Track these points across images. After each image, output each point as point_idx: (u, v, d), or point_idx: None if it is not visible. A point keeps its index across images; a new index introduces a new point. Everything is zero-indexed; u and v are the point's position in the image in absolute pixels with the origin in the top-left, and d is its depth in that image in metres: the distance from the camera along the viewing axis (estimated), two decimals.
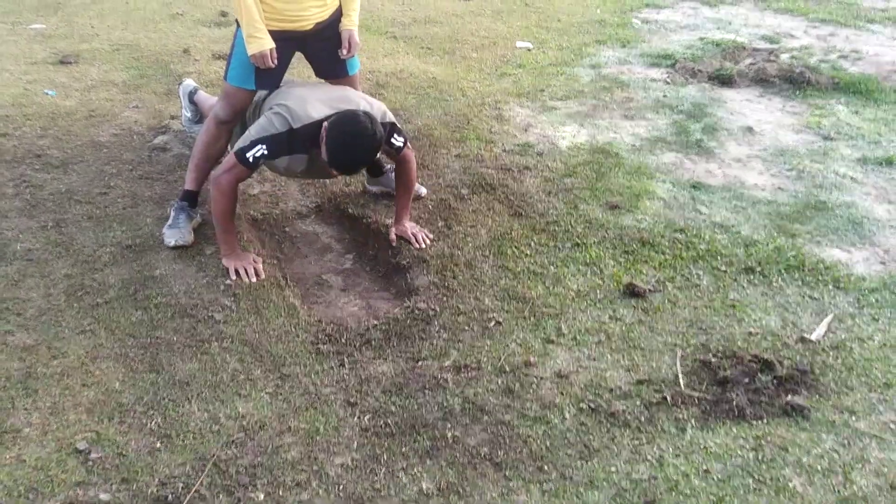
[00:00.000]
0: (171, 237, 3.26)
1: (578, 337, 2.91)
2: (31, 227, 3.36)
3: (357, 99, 3.19)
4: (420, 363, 2.78)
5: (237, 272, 3.10)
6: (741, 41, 6.07)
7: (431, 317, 3.01)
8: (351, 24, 3.29)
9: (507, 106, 4.85)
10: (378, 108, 3.19)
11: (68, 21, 6.23)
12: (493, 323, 2.98)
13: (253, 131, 3.05)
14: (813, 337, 2.89)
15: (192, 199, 3.40)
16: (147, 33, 5.99)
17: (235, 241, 3.17)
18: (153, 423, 2.44)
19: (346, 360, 2.79)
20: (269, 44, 3.10)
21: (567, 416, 2.55)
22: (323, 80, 3.53)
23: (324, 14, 3.23)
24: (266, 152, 3.00)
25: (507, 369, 2.74)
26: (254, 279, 3.09)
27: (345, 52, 3.30)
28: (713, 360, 2.77)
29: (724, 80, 5.29)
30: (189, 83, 4.17)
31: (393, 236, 3.42)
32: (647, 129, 4.60)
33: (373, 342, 2.89)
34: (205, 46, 5.61)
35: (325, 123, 2.97)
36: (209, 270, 3.15)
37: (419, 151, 4.20)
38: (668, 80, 5.35)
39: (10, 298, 2.92)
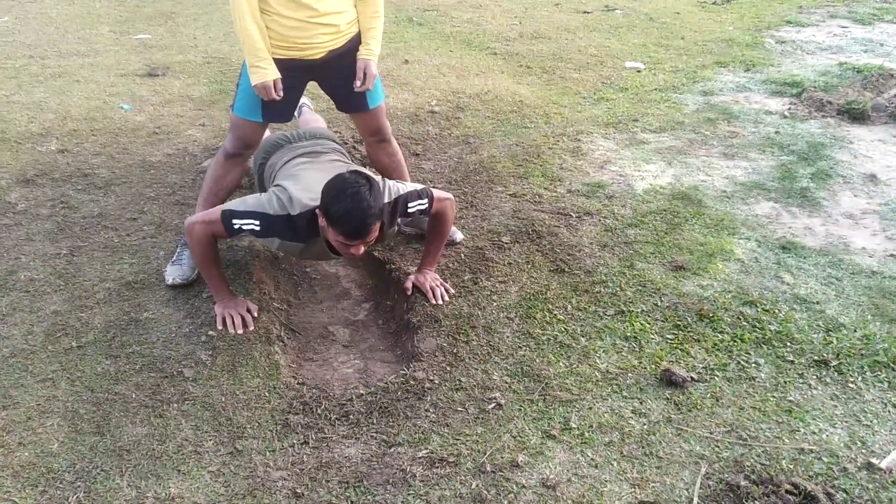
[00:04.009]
0: (171, 275, 3.05)
1: (587, 434, 2.43)
2: (46, 254, 3.27)
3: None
4: (393, 449, 2.41)
5: (224, 321, 2.85)
6: (890, 67, 5.23)
7: (426, 390, 2.63)
8: (369, 53, 2.94)
9: (589, 137, 4.37)
10: (386, 188, 2.77)
11: (174, 31, 6.29)
12: (492, 405, 2.56)
13: (251, 202, 2.74)
14: (883, 464, 2.27)
15: None
16: None
17: (223, 285, 2.90)
18: (75, 497, 2.20)
19: (312, 436, 2.46)
20: (272, 74, 2.82)
21: None
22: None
23: (337, 42, 2.91)
24: (257, 229, 2.70)
25: (489, 469, 2.31)
26: (240, 330, 2.83)
27: (358, 83, 2.96)
28: (743, 483, 2.23)
29: (856, 115, 4.53)
30: None
31: (409, 285, 3.06)
32: (745, 172, 3.98)
33: (350, 416, 2.54)
34: None
35: (318, 208, 2.61)
36: (198, 317, 2.91)
37: (473, 187, 3.82)
38: (788, 112, 4.66)
39: None
